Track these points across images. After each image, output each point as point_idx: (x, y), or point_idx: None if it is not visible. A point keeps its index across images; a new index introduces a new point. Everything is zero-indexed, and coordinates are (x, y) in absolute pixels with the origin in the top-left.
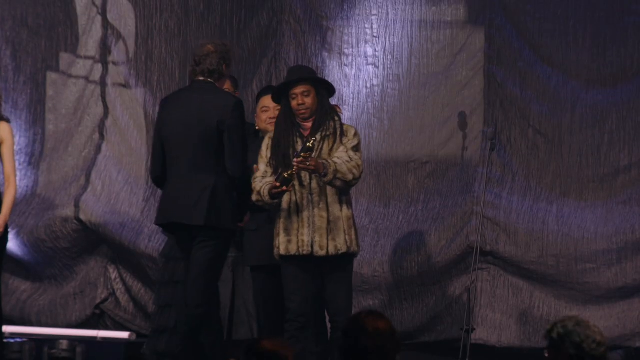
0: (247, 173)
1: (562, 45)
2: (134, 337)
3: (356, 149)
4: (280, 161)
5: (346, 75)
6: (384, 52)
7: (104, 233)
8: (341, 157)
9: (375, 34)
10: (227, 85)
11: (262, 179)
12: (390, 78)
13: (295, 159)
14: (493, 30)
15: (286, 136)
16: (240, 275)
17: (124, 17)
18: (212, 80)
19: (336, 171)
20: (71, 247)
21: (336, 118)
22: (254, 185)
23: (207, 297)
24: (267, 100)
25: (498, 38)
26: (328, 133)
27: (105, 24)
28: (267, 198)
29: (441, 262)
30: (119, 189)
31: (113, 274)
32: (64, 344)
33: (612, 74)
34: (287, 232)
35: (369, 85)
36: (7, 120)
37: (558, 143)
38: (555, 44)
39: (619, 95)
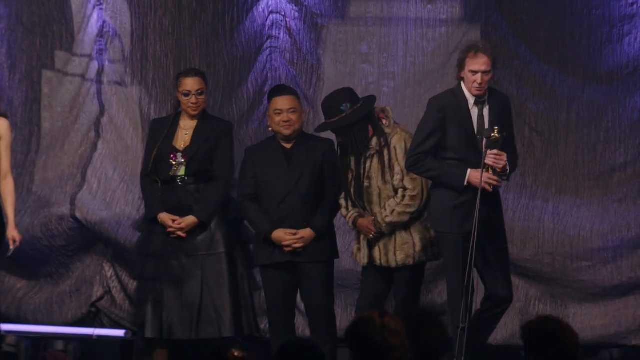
0: None
1: (558, 43)
2: (129, 334)
3: None
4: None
5: (341, 73)
6: (379, 50)
7: (100, 231)
8: (390, 205)
9: (370, 32)
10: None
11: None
12: (385, 76)
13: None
14: (489, 28)
15: (342, 156)
16: (209, 275)
17: (120, 15)
18: None
19: (390, 225)
20: (67, 245)
21: (382, 131)
22: (340, 200)
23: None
24: (280, 103)
25: (494, 36)
26: (372, 152)
27: (101, 22)
28: (350, 225)
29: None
30: (115, 187)
31: (109, 271)
32: (59, 343)
33: (609, 72)
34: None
35: (363, 83)
36: (6, 116)
37: (554, 141)
38: (552, 42)
39: (615, 93)
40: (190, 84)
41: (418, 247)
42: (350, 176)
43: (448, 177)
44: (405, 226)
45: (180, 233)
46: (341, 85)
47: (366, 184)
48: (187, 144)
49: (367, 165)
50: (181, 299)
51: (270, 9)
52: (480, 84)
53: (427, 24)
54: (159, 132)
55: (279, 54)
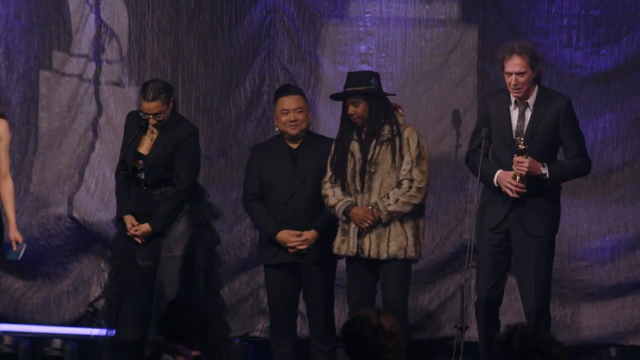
0: None
1: (555, 44)
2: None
3: (419, 160)
4: (337, 164)
5: (339, 73)
6: (378, 50)
7: (98, 231)
8: (395, 194)
9: (368, 32)
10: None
11: (333, 187)
12: (384, 76)
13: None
14: (487, 28)
15: (344, 139)
16: (163, 277)
17: (117, 15)
18: None
19: (391, 214)
20: (64, 245)
21: (396, 120)
22: (324, 191)
23: None
24: (287, 102)
25: (492, 36)
26: (383, 139)
27: (99, 22)
28: (340, 215)
29: (435, 260)
30: (112, 187)
31: (106, 272)
32: (56, 343)
33: (606, 72)
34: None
35: None
36: (4, 117)
37: None
38: (549, 42)
39: (612, 94)
40: (147, 107)
41: (410, 242)
42: (352, 162)
43: (483, 175)
44: (400, 220)
45: (137, 239)
46: (340, 85)
47: (372, 170)
48: (149, 151)
49: (377, 150)
50: (137, 299)
51: (269, 8)
52: (515, 85)
53: (425, 24)
54: (130, 131)
55: (277, 54)
